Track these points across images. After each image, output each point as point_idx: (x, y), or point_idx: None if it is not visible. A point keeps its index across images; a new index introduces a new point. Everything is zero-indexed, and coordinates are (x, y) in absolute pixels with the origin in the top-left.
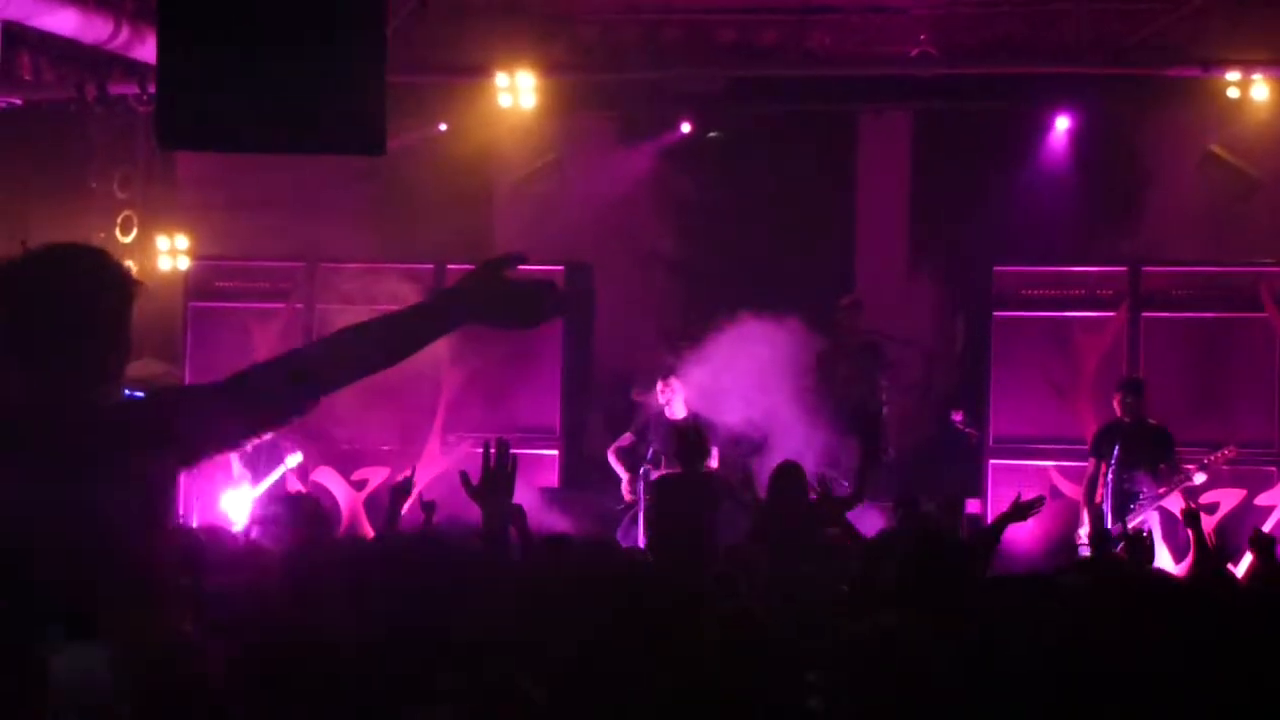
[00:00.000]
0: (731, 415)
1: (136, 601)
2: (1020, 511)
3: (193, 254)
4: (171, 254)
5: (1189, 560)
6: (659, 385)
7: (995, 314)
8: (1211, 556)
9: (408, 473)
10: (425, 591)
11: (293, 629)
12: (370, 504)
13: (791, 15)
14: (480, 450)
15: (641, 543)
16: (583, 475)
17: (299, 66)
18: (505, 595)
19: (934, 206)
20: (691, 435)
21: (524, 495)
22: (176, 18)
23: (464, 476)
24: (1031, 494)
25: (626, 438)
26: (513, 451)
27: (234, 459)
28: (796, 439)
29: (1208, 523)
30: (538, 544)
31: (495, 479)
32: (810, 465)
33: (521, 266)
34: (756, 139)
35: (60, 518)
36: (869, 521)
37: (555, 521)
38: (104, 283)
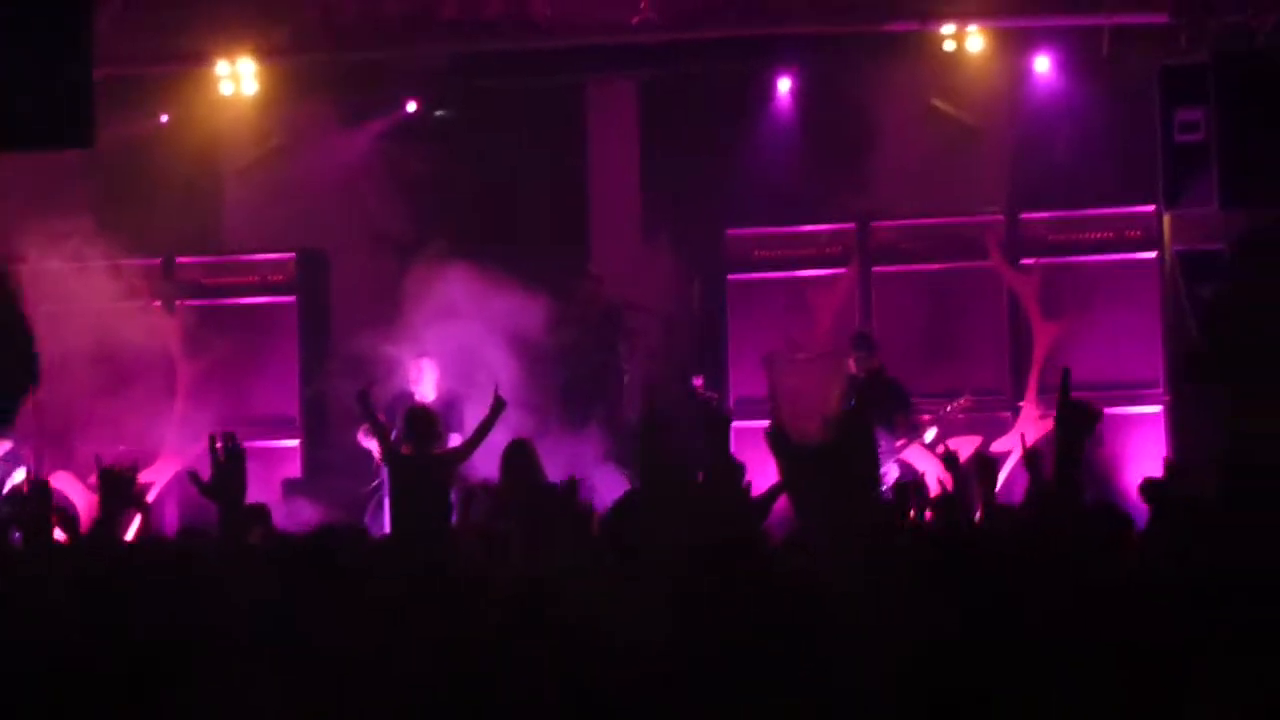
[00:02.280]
0: (474, 390)
1: None
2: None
3: None
4: None
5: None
6: (411, 365)
7: (729, 277)
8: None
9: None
10: (161, 591)
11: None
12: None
13: None
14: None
15: (387, 527)
16: (328, 463)
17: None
18: (243, 592)
19: (665, 173)
20: (420, 418)
21: (265, 488)
22: None
23: (193, 475)
24: None
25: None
26: (247, 444)
27: None
28: (536, 413)
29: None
30: (281, 539)
31: (226, 474)
32: (550, 441)
33: (251, 256)
34: (485, 114)
35: None
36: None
37: (301, 512)
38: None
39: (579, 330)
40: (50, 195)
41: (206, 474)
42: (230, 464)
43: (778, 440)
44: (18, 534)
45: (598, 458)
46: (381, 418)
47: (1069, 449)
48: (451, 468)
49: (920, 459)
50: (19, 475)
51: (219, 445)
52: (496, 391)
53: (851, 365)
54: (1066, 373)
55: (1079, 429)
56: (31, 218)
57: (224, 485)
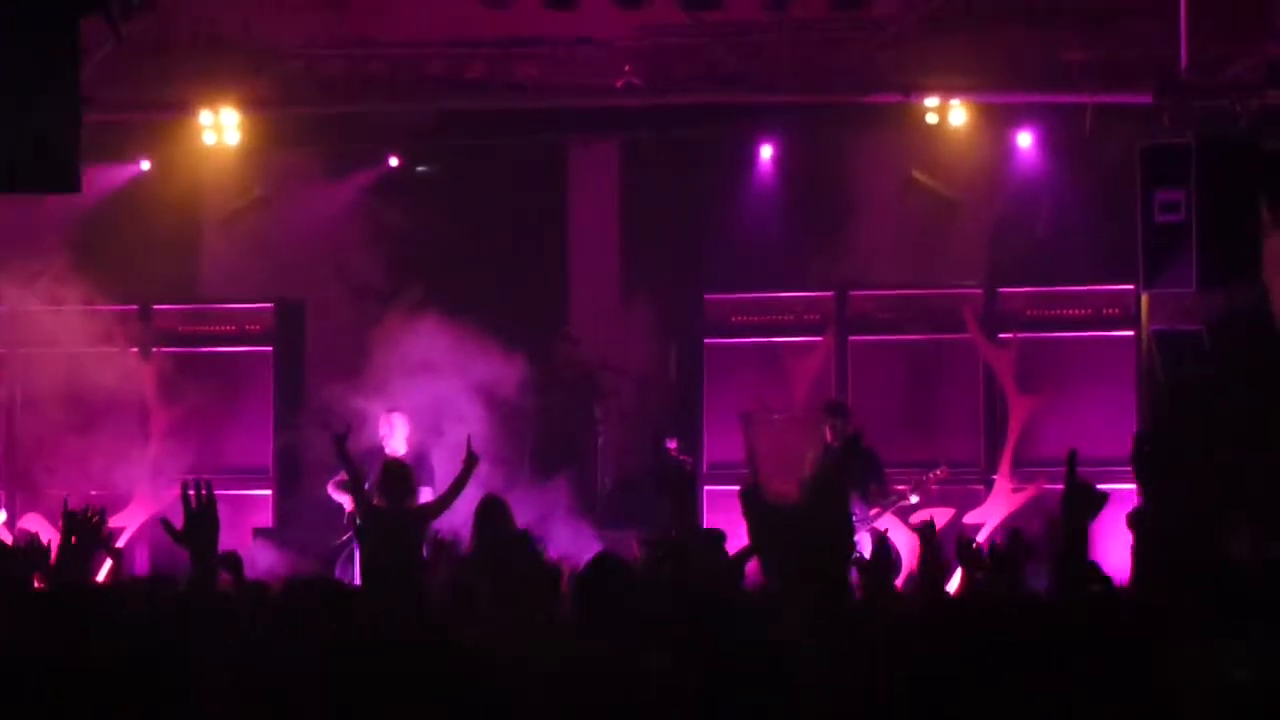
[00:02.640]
0: (443, 447)
1: None
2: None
3: None
4: None
5: (905, 575)
6: (382, 420)
7: (706, 341)
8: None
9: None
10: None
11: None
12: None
13: (498, 48)
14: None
15: (359, 579)
16: (298, 514)
17: None
18: (214, 637)
19: (645, 236)
20: (394, 472)
21: (236, 537)
22: None
23: (166, 523)
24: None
25: (343, 474)
26: (219, 492)
27: None
28: (505, 471)
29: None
30: (250, 587)
31: (198, 521)
32: (519, 497)
33: (228, 305)
34: (466, 172)
35: None
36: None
37: (271, 561)
38: None
39: (554, 390)
40: (29, 238)
41: (179, 521)
42: (203, 511)
43: (751, 499)
44: None
45: (565, 515)
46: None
47: (1076, 532)
48: (425, 522)
49: (894, 528)
50: None
51: (192, 492)
52: (470, 447)
53: (826, 433)
54: (1073, 455)
55: (1085, 512)
56: (9, 259)
57: (196, 532)
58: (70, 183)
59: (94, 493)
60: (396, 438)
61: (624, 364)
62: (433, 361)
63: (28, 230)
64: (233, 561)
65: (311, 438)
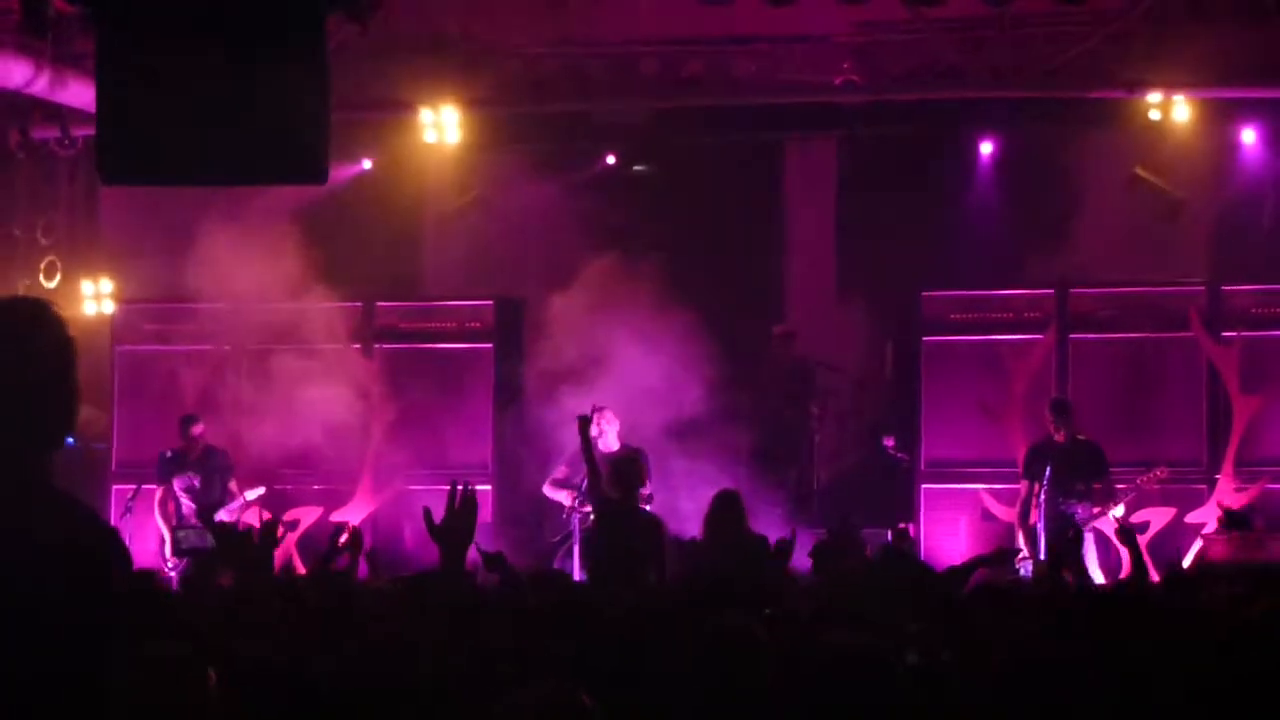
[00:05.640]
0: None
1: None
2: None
3: (118, 298)
4: (96, 298)
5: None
6: (594, 418)
7: (924, 339)
8: (1147, 573)
9: (351, 527)
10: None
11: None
12: (303, 544)
13: (715, 45)
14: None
15: (578, 575)
16: (516, 510)
17: (240, 96)
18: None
19: (862, 233)
20: (626, 466)
21: None
22: (116, 52)
23: (427, 514)
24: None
25: (561, 470)
26: (440, 487)
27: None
28: (725, 469)
29: (1140, 540)
30: (522, 581)
31: (457, 520)
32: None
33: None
34: (683, 170)
35: None
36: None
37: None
38: (45, 338)
39: (772, 388)
40: (256, 237)
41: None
42: (464, 510)
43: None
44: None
45: (783, 514)
46: (565, 469)
47: None
48: (652, 516)
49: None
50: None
51: (460, 487)
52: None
53: (1051, 430)
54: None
55: None
56: (242, 257)
57: (454, 529)
58: (318, 173)
59: (316, 488)
60: (609, 435)
61: (840, 362)
62: (650, 359)
63: (257, 228)
64: (499, 561)
65: (529, 433)
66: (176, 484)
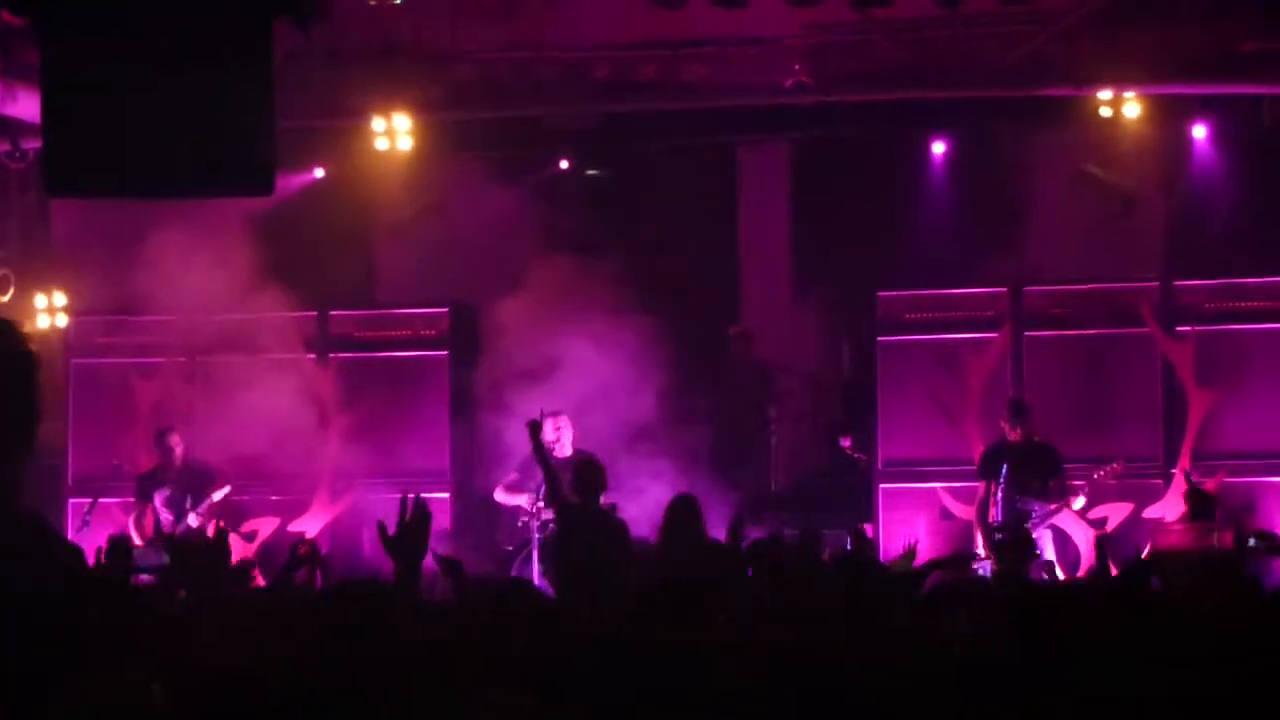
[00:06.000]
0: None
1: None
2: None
3: (71, 310)
4: (50, 311)
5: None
6: (548, 423)
7: (880, 339)
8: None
9: (308, 540)
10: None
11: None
12: (262, 555)
13: (666, 49)
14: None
15: (537, 580)
16: (474, 516)
17: (186, 109)
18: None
19: (816, 234)
20: (589, 471)
21: None
22: (60, 65)
23: (381, 527)
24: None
25: (512, 475)
26: (394, 495)
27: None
28: (682, 472)
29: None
30: (477, 590)
31: (410, 532)
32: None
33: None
34: (637, 174)
35: None
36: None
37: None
38: (5, 352)
39: (728, 389)
40: (209, 247)
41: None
42: (417, 523)
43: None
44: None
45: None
46: (516, 474)
47: None
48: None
49: (1072, 525)
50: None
51: (411, 497)
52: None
53: (1006, 431)
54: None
55: None
56: (194, 268)
57: (407, 543)
58: (265, 184)
59: (274, 498)
60: (563, 440)
61: (796, 363)
62: (606, 363)
63: (210, 238)
64: (454, 566)
65: (485, 440)
66: (157, 499)
